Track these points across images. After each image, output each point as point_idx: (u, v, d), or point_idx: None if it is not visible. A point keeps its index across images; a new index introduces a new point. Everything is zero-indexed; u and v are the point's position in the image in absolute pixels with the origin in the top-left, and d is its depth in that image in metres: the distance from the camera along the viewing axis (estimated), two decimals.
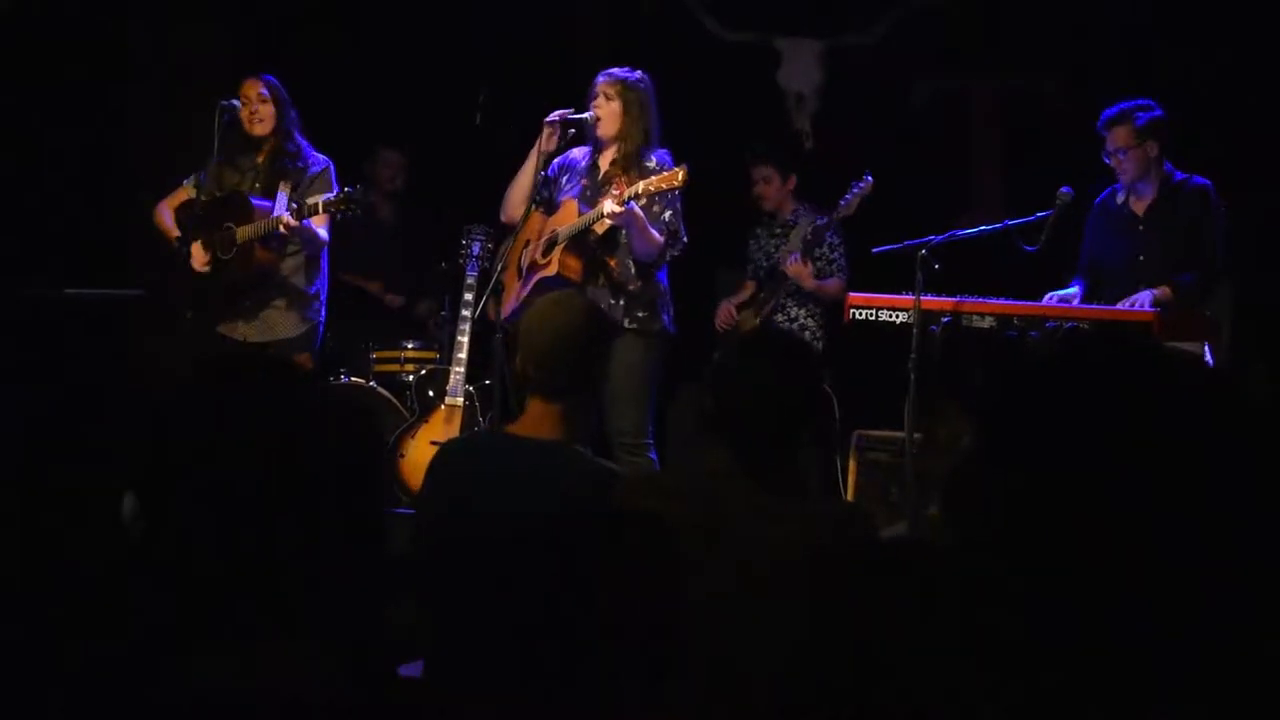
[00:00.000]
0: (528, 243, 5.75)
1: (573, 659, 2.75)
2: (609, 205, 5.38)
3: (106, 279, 6.65)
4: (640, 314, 5.60)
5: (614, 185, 5.46)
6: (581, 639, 2.74)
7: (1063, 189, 5.64)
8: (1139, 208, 5.86)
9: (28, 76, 7.36)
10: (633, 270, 5.60)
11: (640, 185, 5.38)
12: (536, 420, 3.37)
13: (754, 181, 7.22)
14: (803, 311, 7.06)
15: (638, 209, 5.41)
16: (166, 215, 6.11)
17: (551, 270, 5.57)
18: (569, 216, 5.64)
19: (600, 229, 5.55)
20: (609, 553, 2.72)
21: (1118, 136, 5.76)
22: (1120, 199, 5.91)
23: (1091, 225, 6.01)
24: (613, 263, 5.60)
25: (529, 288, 5.64)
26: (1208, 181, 5.80)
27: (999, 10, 7.60)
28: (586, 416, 3.50)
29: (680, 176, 5.36)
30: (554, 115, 5.70)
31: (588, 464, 3.29)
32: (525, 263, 5.76)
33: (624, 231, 5.53)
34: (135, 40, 7.71)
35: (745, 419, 2.88)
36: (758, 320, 6.99)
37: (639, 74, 5.70)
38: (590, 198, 5.63)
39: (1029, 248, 5.59)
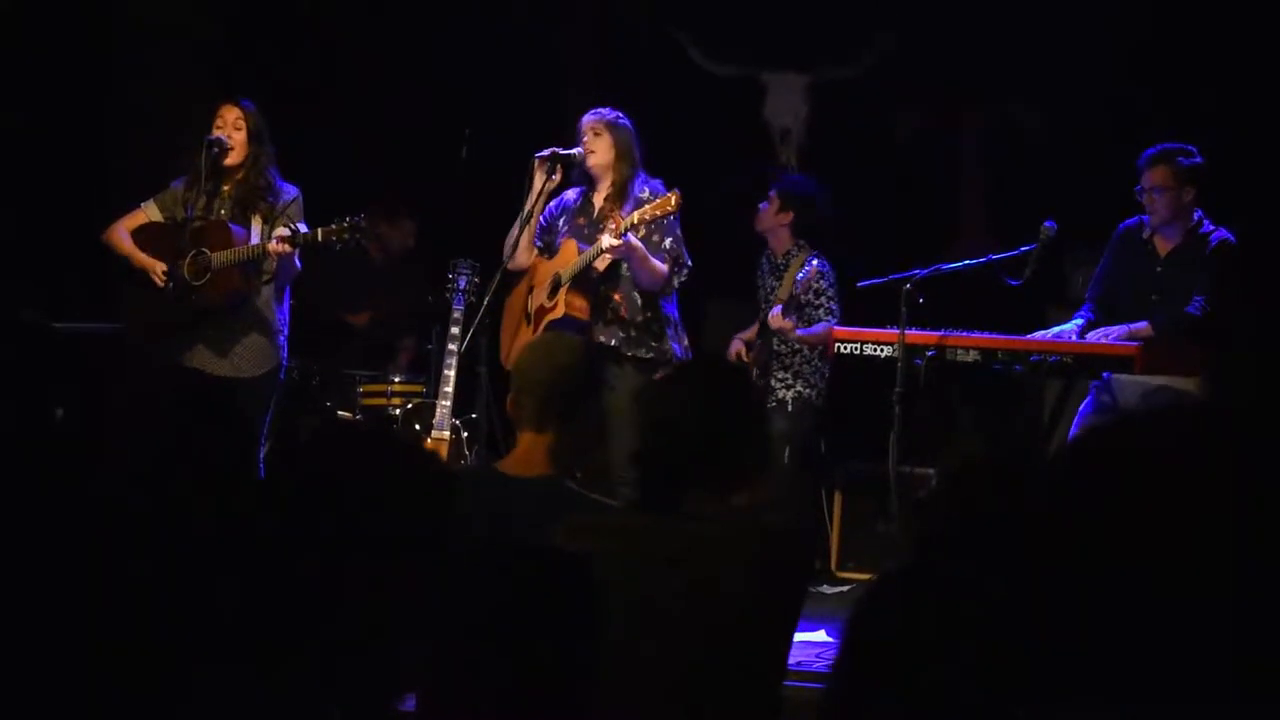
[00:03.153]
0: (531, 289, 5.75)
1: (558, 696, 2.75)
2: (607, 239, 5.42)
3: (95, 314, 6.60)
4: (652, 343, 5.65)
5: (610, 219, 5.50)
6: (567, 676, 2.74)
7: (1046, 223, 5.60)
8: (1162, 248, 5.76)
9: (10, 105, 7.38)
10: (639, 302, 5.65)
11: (634, 215, 5.44)
12: (526, 454, 3.36)
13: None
14: (797, 367, 6.74)
15: (635, 240, 5.45)
16: (125, 237, 5.89)
17: (559, 312, 5.59)
18: (569, 257, 5.68)
19: (601, 265, 5.57)
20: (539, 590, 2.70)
21: (1156, 175, 5.63)
22: (1146, 233, 5.80)
23: (1113, 251, 5.90)
24: (618, 297, 5.64)
25: (538, 332, 5.64)
26: (1232, 236, 5.68)
27: (984, 43, 7.63)
28: (577, 450, 3.48)
29: (674, 201, 5.42)
30: (544, 151, 5.74)
31: (577, 499, 3.28)
32: (533, 308, 5.77)
33: (625, 265, 5.56)
34: (119, 71, 7.72)
35: (646, 453, 2.83)
36: (754, 368, 6.78)
37: (620, 113, 5.78)
38: (589, 235, 5.67)
39: (1013, 281, 5.59)
